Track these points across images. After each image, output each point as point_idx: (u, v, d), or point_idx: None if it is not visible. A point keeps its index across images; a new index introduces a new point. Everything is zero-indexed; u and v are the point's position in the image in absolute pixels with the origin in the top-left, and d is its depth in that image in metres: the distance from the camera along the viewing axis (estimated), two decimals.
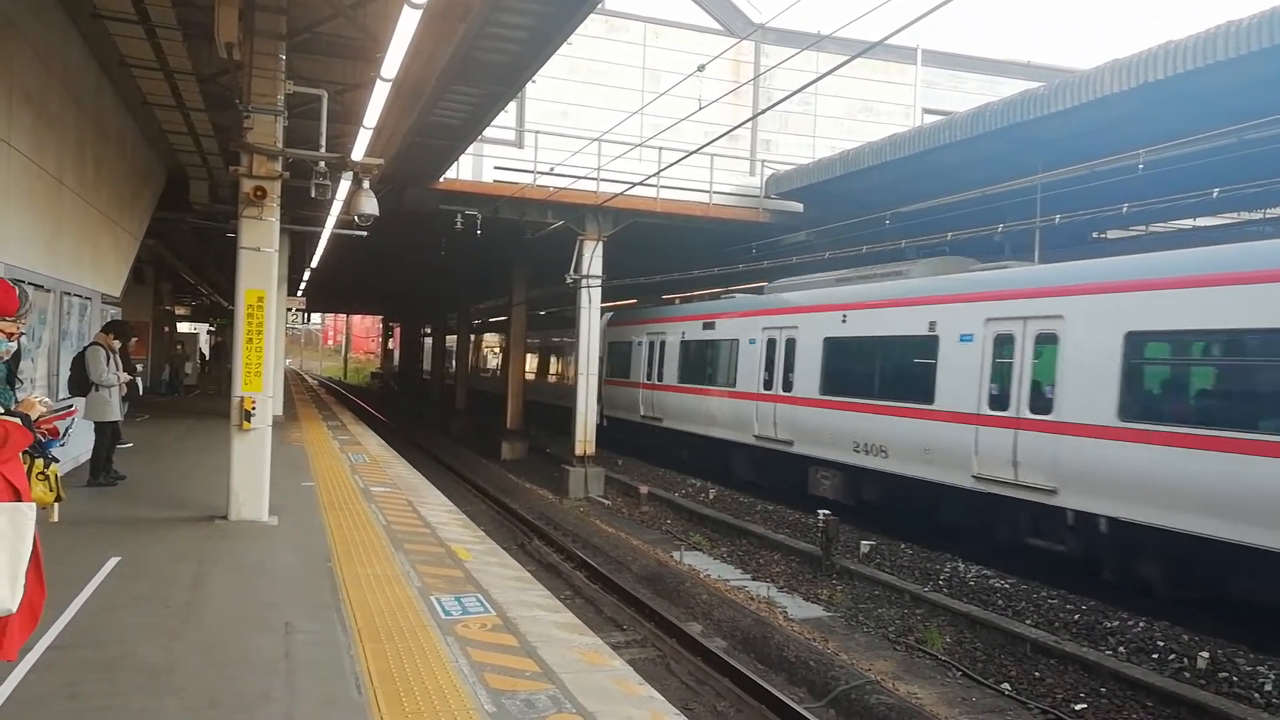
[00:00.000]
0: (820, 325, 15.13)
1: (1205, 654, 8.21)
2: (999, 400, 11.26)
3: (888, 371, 13.77)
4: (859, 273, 15.19)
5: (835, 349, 14.83)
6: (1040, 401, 10.76)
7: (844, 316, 14.69)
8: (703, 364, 18.88)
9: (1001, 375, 11.29)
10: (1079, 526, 10.36)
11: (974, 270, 13.06)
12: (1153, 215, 13.86)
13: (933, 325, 12.56)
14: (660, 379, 20.51)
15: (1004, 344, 11.31)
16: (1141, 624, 9.11)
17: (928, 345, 12.54)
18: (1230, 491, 8.65)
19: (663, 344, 20.41)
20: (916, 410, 12.65)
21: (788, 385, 15.75)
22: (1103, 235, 14.84)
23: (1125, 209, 10.79)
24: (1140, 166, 10.89)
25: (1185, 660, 8.29)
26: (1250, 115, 9.97)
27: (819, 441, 14.94)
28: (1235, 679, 7.83)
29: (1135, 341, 9.74)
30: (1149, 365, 9.92)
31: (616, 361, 22.82)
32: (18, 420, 3.54)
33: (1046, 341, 10.75)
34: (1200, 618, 9.08)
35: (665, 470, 19.90)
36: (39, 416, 3.73)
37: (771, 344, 16.33)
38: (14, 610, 3.33)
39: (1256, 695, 7.54)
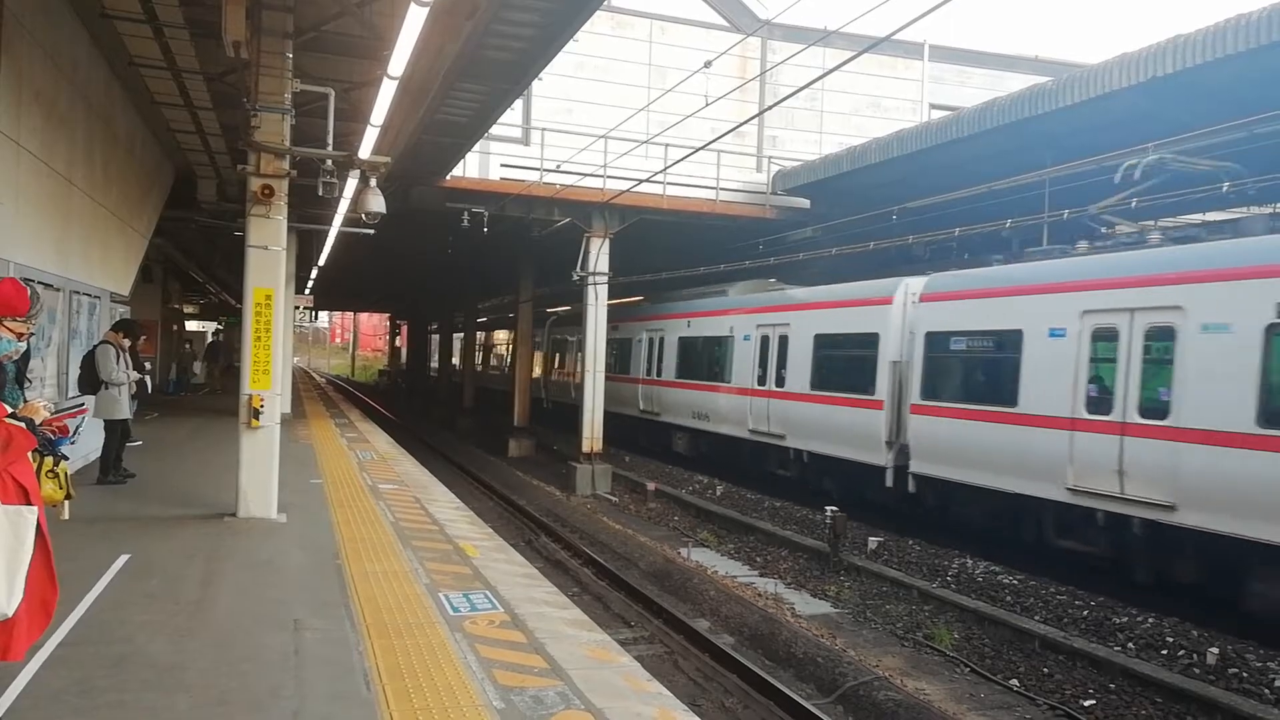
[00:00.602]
0: (675, 328, 20.92)
1: (1215, 650, 8.18)
2: (761, 379, 16.98)
3: (710, 361, 19.19)
4: (700, 291, 20.43)
5: (684, 346, 20.47)
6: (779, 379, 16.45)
7: (688, 323, 20.40)
8: (612, 357, 23.06)
9: (765, 363, 16.94)
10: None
11: (768, 291, 18.47)
12: (1161, 210, 13.78)
13: (731, 329, 18.28)
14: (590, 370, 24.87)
15: (769, 342, 16.87)
16: (1151, 620, 9.08)
17: (728, 342, 18.37)
18: None
19: (579, 341, 23.10)
20: (723, 388, 18.35)
21: (658, 372, 21.40)
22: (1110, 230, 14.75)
23: (1134, 204, 10.73)
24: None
25: (1195, 656, 8.27)
26: (1259, 109, 9.91)
27: (675, 412, 20.64)
28: (1245, 675, 7.80)
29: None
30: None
31: (555, 353, 28.69)
32: (22, 424, 3.56)
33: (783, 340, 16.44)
34: (1210, 614, 9.04)
35: (672, 467, 19.94)
36: (42, 420, 3.74)
37: (651, 342, 21.89)
38: (10, 615, 3.32)
39: (1267, 691, 7.52)
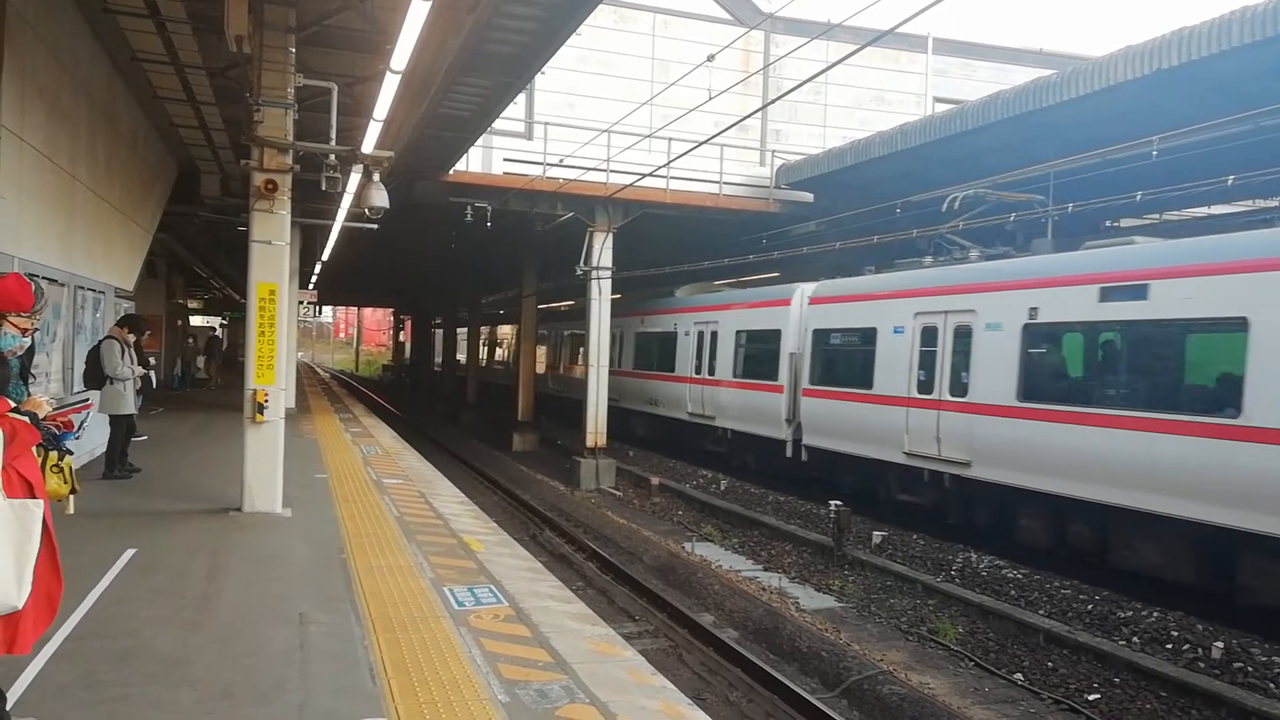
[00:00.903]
0: (632, 325, 23.24)
1: (1220, 644, 8.17)
2: (697, 369, 19.55)
3: (660, 354, 21.52)
4: (654, 292, 22.90)
5: (640, 341, 22.91)
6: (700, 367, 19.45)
7: (643, 320, 22.76)
8: (580, 351, 25.68)
9: (700, 356, 19.55)
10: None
11: (707, 293, 20.88)
12: (1167, 203, 13.76)
13: (675, 326, 20.98)
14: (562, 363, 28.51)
15: (704, 337, 19.49)
16: (1155, 614, 9.07)
17: (673, 338, 20.79)
18: None
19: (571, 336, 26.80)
20: (669, 377, 20.86)
21: (619, 363, 23.23)
22: (1115, 224, 14.73)
23: (1139, 197, 10.70)
24: (1154, 154, 10.79)
25: (1200, 650, 8.26)
26: (1265, 101, 9.86)
27: (633, 399, 22.92)
28: (1250, 669, 7.79)
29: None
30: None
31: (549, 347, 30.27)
32: (26, 418, 3.56)
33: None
34: (1215, 608, 9.02)
35: (676, 462, 19.95)
36: (46, 415, 3.74)
37: (613, 337, 22.41)
38: (20, 608, 3.33)
39: (1271, 685, 7.51)
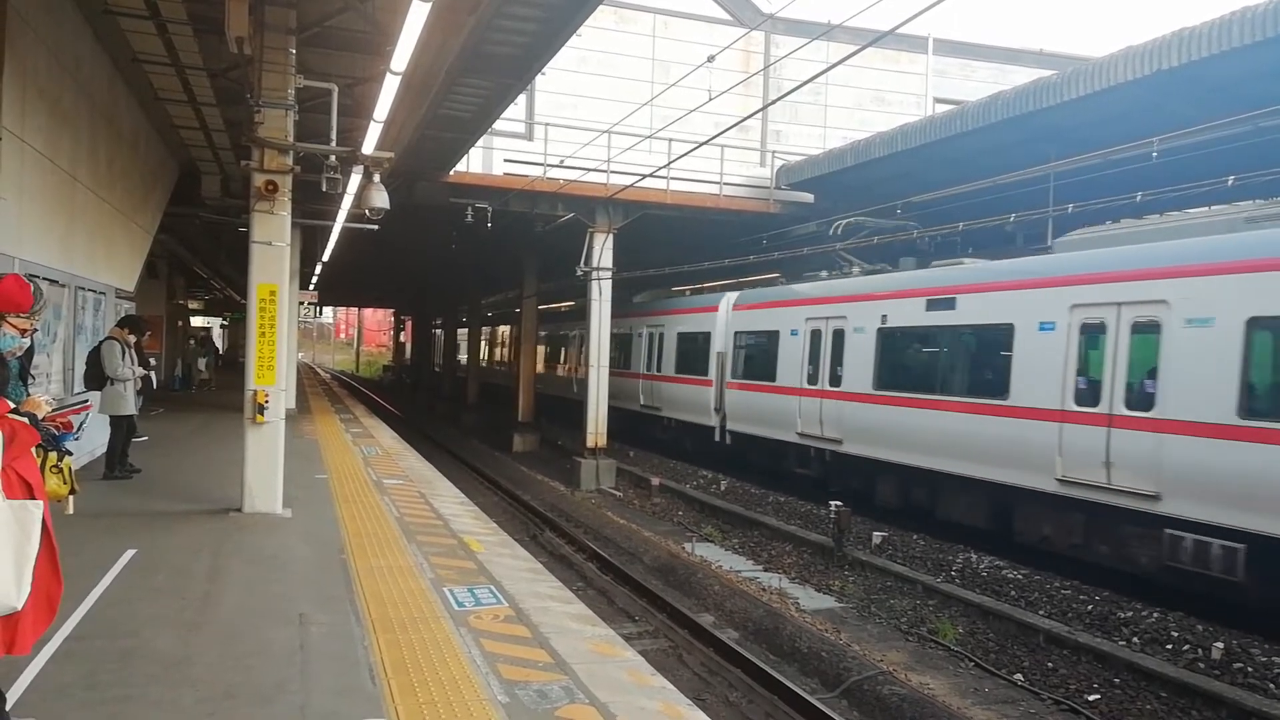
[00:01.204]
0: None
1: (1220, 644, 8.17)
2: (648, 366, 22.04)
3: (620, 353, 23.32)
4: (616, 297, 23.03)
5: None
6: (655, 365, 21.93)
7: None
8: (553, 350, 29.35)
9: (650, 354, 22.07)
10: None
11: (660, 299, 23.53)
12: (1167, 204, 13.73)
13: (631, 328, 23.31)
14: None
15: (654, 338, 22.00)
16: (1155, 615, 9.07)
17: (630, 338, 23.30)
18: None
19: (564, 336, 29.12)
20: (627, 374, 23.00)
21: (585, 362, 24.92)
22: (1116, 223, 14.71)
23: (1139, 197, 10.71)
24: (1154, 155, 10.79)
25: (1200, 651, 8.26)
26: (1265, 102, 9.86)
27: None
28: (1250, 670, 7.79)
29: None
30: None
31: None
32: (25, 419, 3.56)
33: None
34: (1214, 609, 9.02)
35: (677, 462, 19.95)
36: (45, 415, 3.75)
37: (581, 338, 24.69)
38: (19, 608, 3.33)
39: (1271, 686, 7.51)
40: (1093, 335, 10.26)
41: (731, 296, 18.99)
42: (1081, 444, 10.06)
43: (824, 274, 16.39)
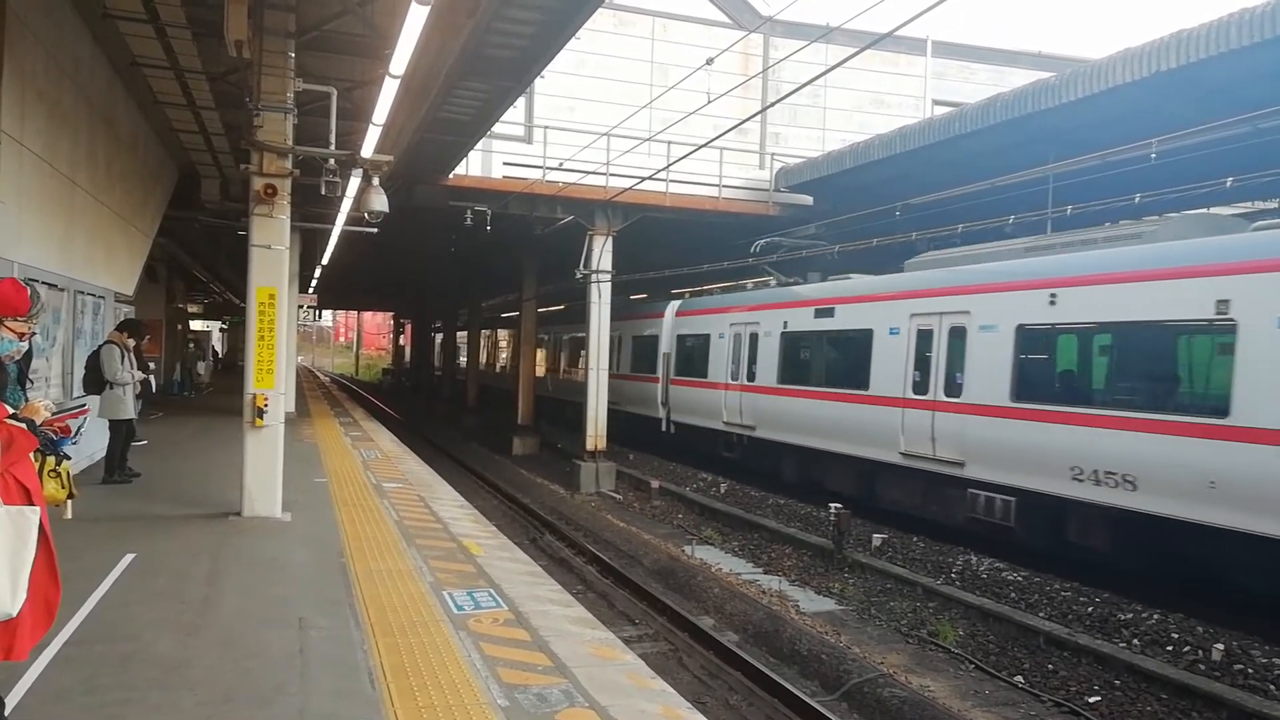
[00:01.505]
0: (566, 332, 27.44)
1: (1220, 646, 8.17)
2: (611, 366, 21.54)
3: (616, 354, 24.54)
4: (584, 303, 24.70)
5: (572, 344, 26.64)
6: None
7: (579, 329, 24.32)
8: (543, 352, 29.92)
9: (613, 355, 22.51)
10: None
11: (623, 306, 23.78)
12: (1166, 205, 13.73)
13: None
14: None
15: (615, 340, 22.53)
16: (1156, 616, 9.07)
17: (580, 341, 23.95)
18: None
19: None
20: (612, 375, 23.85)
21: (562, 365, 27.92)
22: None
23: (1138, 199, 10.72)
24: (1153, 156, 10.79)
25: (1200, 652, 8.26)
26: (1264, 103, 9.86)
27: (566, 392, 26.30)
28: (1250, 671, 7.79)
29: None
30: None
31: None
32: (23, 425, 3.55)
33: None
34: (1215, 610, 9.02)
35: (676, 465, 19.95)
36: (43, 421, 3.74)
37: (556, 341, 28.39)
38: (15, 615, 3.32)
39: (1272, 687, 7.51)
40: (925, 338, 12.88)
41: (676, 303, 21.78)
42: (916, 425, 12.81)
43: (749, 285, 19.39)
